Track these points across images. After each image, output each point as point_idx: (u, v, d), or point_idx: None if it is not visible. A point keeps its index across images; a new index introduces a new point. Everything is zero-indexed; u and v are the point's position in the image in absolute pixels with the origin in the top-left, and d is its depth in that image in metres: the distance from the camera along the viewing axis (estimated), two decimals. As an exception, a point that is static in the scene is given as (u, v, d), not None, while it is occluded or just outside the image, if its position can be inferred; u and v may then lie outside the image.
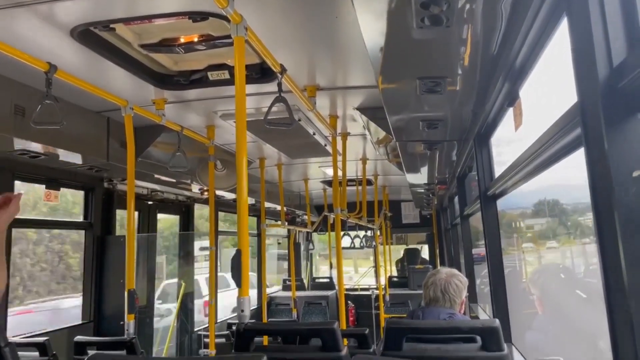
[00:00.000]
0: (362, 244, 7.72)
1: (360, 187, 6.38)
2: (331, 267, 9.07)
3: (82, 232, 4.38)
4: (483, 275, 5.10)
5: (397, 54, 1.98)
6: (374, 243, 7.97)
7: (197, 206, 6.16)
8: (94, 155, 3.62)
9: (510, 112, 2.19)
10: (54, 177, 3.90)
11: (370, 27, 1.75)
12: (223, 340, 4.92)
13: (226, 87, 3.03)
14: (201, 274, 7.06)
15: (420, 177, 5.36)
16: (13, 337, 3.39)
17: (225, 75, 2.94)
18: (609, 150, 1.03)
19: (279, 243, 9.93)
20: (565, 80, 1.31)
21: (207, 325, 4.69)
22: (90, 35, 2.37)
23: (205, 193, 5.30)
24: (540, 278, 3.51)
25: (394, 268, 10.00)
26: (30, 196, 4.48)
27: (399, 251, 10.49)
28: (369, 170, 6.25)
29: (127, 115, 3.12)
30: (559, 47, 1.48)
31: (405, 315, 3.02)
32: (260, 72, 2.91)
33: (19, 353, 2.34)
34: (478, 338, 1.86)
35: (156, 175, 4.31)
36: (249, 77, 2.82)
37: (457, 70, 2.09)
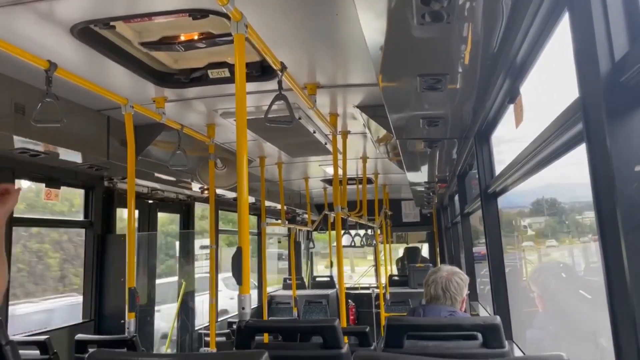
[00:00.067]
0: (362, 243, 7.72)
1: (360, 186, 6.38)
2: (331, 265, 9.06)
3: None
4: (482, 274, 5.11)
5: (397, 52, 1.98)
6: (374, 242, 7.97)
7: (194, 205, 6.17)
8: (94, 154, 3.62)
9: (510, 109, 2.19)
10: (54, 175, 3.90)
11: (371, 25, 1.75)
12: (224, 338, 4.93)
13: (226, 85, 3.03)
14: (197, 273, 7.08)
15: (420, 176, 5.36)
16: (14, 335, 3.39)
17: (226, 73, 2.94)
18: (611, 145, 1.03)
19: (279, 242, 9.93)
20: (567, 76, 1.30)
21: (207, 324, 4.69)
22: (90, 33, 2.37)
23: (206, 192, 5.30)
24: (540, 276, 3.51)
25: (394, 267, 10.01)
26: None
27: (396, 250, 10.49)
28: (370, 168, 6.24)
29: (127, 113, 3.12)
30: (560, 42, 1.48)
31: (406, 314, 3.02)
32: (261, 70, 2.91)
33: (20, 351, 2.34)
34: (479, 335, 1.86)
35: (156, 174, 4.30)
36: (249, 75, 2.82)
37: (458, 67, 2.09)
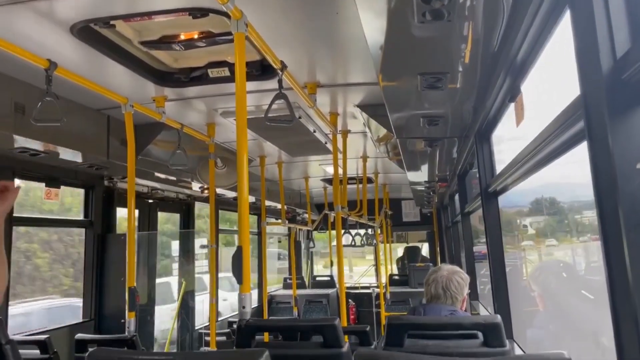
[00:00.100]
0: (362, 242, 7.72)
1: (360, 185, 6.37)
2: (331, 265, 9.06)
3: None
4: (482, 274, 5.10)
5: (398, 51, 1.98)
6: (374, 241, 7.97)
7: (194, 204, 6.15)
8: (94, 153, 3.62)
9: (511, 107, 2.18)
10: (54, 175, 3.89)
11: (371, 24, 1.75)
12: (224, 338, 4.93)
13: (226, 85, 3.03)
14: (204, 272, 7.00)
15: (420, 175, 5.35)
16: (14, 335, 3.39)
17: (226, 72, 2.94)
18: (613, 142, 1.02)
19: (279, 241, 9.92)
20: (568, 74, 1.30)
21: (207, 323, 4.69)
22: (90, 32, 2.37)
23: (206, 191, 5.30)
24: (541, 275, 3.51)
25: (394, 266, 10.01)
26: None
27: (396, 249, 10.48)
28: (370, 168, 6.24)
29: (127, 112, 3.11)
30: (561, 40, 1.48)
31: (406, 313, 3.02)
32: (261, 69, 2.91)
33: (20, 351, 2.34)
34: (479, 334, 1.85)
35: (156, 173, 4.30)
36: (250, 74, 2.81)
37: (458, 65, 2.09)
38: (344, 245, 4.81)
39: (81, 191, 4.38)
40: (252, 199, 6.17)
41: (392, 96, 2.63)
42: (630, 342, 1.09)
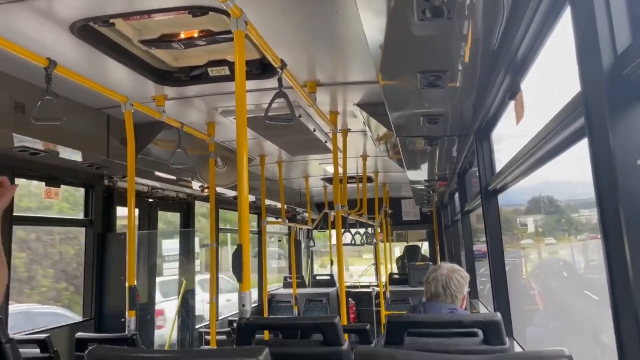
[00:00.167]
0: (362, 241, 7.72)
1: (360, 184, 6.37)
2: (331, 264, 9.07)
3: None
4: (481, 273, 5.11)
5: (398, 49, 1.97)
6: (374, 240, 7.97)
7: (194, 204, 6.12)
8: (94, 152, 3.62)
9: (511, 105, 2.18)
10: (54, 174, 3.89)
11: (372, 23, 1.75)
12: (224, 337, 4.93)
13: (226, 84, 3.03)
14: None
15: (420, 174, 5.35)
16: (14, 333, 3.39)
17: (226, 71, 2.94)
18: (613, 139, 1.02)
19: (279, 241, 9.92)
20: (568, 70, 1.30)
21: (208, 322, 4.70)
22: (89, 31, 2.37)
23: (206, 190, 5.30)
24: (540, 273, 3.51)
25: (394, 265, 10.01)
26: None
27: (393, 249, 10.46)
28: (370, 167, 6.24)
29: (127, 111, 3.11)
30: (562, 37, 1.48)
31: (406, 312, 3.02)
32: (261, 68, 2.91)
33: (21, 350, 2.34)
34: (479, 332, 1.85)
35: (157, 173, 4.30)
36: (249, 72, 2.81)
37: (458, 63, 2.08)
38: (344, 244, 4.81)
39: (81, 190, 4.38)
40: (252, 198, 6.17)
41: (392, 95, 2.63)
42: (630, 340, 1.09)
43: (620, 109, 1.03)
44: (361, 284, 9.50)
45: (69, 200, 4.42)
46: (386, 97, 2.64)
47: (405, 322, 1.88)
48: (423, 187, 6.40)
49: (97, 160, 3.78)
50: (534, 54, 1.81)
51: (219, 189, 4.94)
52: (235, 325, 2.08)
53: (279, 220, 6.01)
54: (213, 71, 2.95)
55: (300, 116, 3.52)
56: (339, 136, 4.07)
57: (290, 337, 2.45)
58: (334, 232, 7.84)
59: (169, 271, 6.31)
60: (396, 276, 8.99)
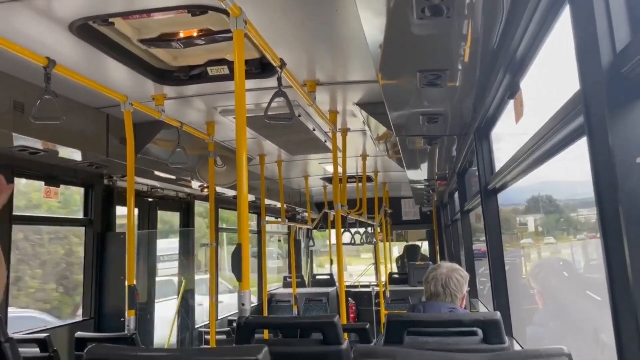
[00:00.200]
0: (362, 240, 7.72)
1: (360, 184, 6.37)
2: (331, 263, 9.07)
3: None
4: (481, 273, 5.11)
5: (397, 48, 1.97)
6: (374, 240, 7.97)
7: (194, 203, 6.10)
8: (94, 152, 3.61)
9: (510, 104, 2.18)
10: (53, 173, 3.89)
11: (371, 23, 1.75)
12: (224, 336, 4.93)
13: (226, 83, 3.03)
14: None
15: (420, 173, 5.35)
16: (14, 333, 3.39)
17: (225, 70, 2.94)
18: (613, 136, 1.02)
19: (279, 240, 9.92)
20: (568, 69, 1.30)
21: (207, 322, 4.70)
22: (88, 30, 2.37)
23: (205, 190, 5.30)
24: (540, 273, 3.51)
25: (394, 265, 10.01)
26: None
27: (392, 249, 10.43)
28: (369, 166, 6.24)
29: (126, 111, 3.11)
30: (561, 35, 1.47)
31: (406, 312, 3.02)
32: (260, 67, 2.91)
33: (20, 349, 2.34)
34: (479, 331, 1.85)
35: (156, 172, 4.30)
36: (249, 72, 2.81)
37: (458, 62, 2.08)
38: (344, 244, 4.80)
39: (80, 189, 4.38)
40: (251, 197, 6.16)
41: (392, 94, 2.63)
42: (630, 339, 1.09)
43: (619, 107, 1.03)
44: (361, 283, 9.50)
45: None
46: (386, 96, 2.64)
47: (404, 321, 1.88)
48: (423, 187, 6.40)
49: (96, 160, 3.78)
50: (533, 52, 1.81)
51: (219, 189, 4.94)
52: (235, 324, 2.07)
53: (279, 219, 6.00)
54: (212, 70, 2.94)
55: (299, 115, 3.52)
56: (339, 135, 4.07)
57: (290, 336, 2.45)
58: (333, 231, 7.85)
59: (163, 271, 6.21)
60: (396, 276, 9.00)
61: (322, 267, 10.91)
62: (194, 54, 2.88)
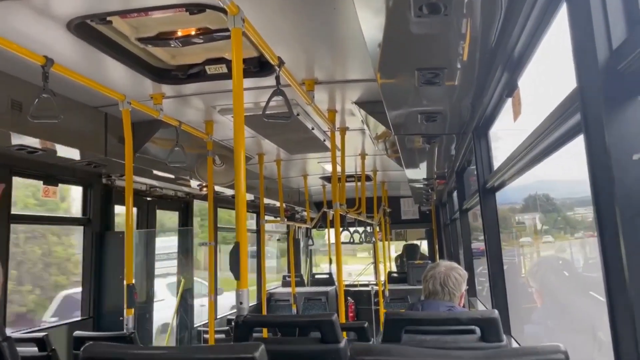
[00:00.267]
0: (361, 240, 7.72)
1: (359, 183, 6.37)
2: (330, 262, 9.07)
3: None
4: (479, 273, 5.11)
5: (396, 47, 1.97)
6: (373, 239, 7.97)
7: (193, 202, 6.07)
8: (92, 151, 3.61)
9: (508, 103, 2.18)
10: (52, 173, 3.89)
11: (370, 22, 1.75)
12: (223, 336, 4.93)
13: (224, 82, 3.03)
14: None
15: (419, 172, 5.36)
16: (12, 332, 3.38)
17: (223, 69, 2.93)
18: (609, 134, 1.02)
19: (278, 240, 9.91)
20: (565, 67, 1.30)
21: (206, 321, 4.69)
22: (86, 29, 2.36)
23: (204, 189, 5.30)
24: (539, 271, 3.52)
25: (393, 264, 10.01)
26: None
27: (391, 248, 10.40)
28: (368, 165, 6.24)
29: (124, 110, 3.11)
30: (558, 33, 1.47)
31: (404, 311, 3.01)
32: (259, 66, 2.90)
33: (19, 348, 2.33)
34: (477, 330, 1.85)
35: (155, 171, 4.30)
36: (247, 70, 2.81)
37: (456, 60, 2.09)
38: (343, 243, 4.80)
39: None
40: (251, 197, 6.16)
41: (390, 93, 2.63)
42: (626, 335, 1.09)
43: (616, 104, 1.03)
44: (360, 282, 9.50)
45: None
46: (384, 95, 2.64)
47: (402, 319, 1.88)
48: (422, 186, 6.41)
49: (95, 159, 3.77)
50: (531, 50, 1.81)
51: (218, 188, 4.94)
52: (233, 323, 2.07)
53: (278, 219, 6.00)
54: (211, 69, 2.94)
55: (298, 114, 3.51)
56: (337, 134, 4.07)
57: (288, 335, 2.46)
58: (332, 230, 7.85)
59: (158, 270, 6.09)
60: (395, 275, 9.00)
61: (317, 267, 10.86)
62: (192, 52, 2.87)
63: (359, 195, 6.37)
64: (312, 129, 3.94)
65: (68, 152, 3.51)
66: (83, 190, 4.36)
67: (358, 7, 1.66)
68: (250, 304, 2.09)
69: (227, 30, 2.12)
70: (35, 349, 2.71)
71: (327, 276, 9.12)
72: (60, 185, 4.03)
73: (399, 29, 1.78)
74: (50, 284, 4.73)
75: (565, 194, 2.83)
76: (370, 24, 1.78)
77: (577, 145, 1.38)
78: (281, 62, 2.53)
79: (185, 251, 5.96)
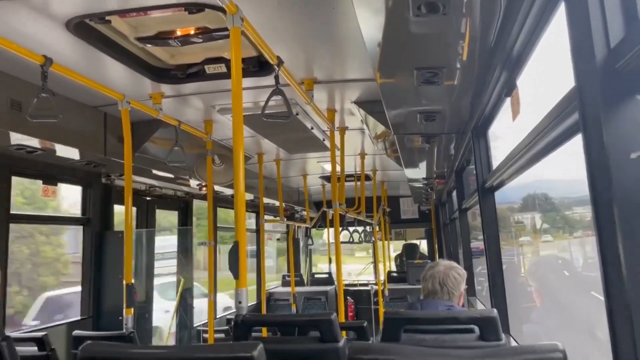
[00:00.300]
0: (360, 239, 7.72)
1: (358, 183, 6.37)
2: (330, 262, 9.07)
3: None
4: (478, 272, 5.11)
5: (395, 46, 1.97)
6: (372, 238, 7.98)
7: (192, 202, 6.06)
8: (92, 151, 3.61)
9: (507, 102, 2.18)
10: (51, 172, 3.89)
11: (368, 21, 1.75)
12: (222, 335, 4.93)
13: (223, 81, 3.02)
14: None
15: (418, 172, 5.36)
16: (12, 332, 3.38)
17: (222, 68, 2.93)
18: (607, 132, 1.02)
19: (277, 239, 9.92)
20: (564, 66, 1.30)
21: (206, 321, 4.70)
22: (85, 28, 2.36)
23: (204, 188, 5.30)
24: (538, 270, 3.52)
25: (392, 263, 10.01)
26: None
27: (390, 248, 10.37)
28: (368, 165, 6.24)
29: (123, 109, 3.11)
30: (557, 32, 1.47)
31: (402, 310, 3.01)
32: (258, 65, 2.90)
33: (18, 348, 2.33)
34: (476, 329, 1.86)
35: (154, 171, 4.30)
36: (246, 70, 2.81)
37: (455, 60, 2.09)
38: (342, 242, 4.80)
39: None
40: (250, 196, 6.16)
41: (389, 93, 2.63)
42: (624, 334, 1.09)
43: (613, 102, 1.03)
44: (360, 282, 9.51)
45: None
46: (383, 94, 2.64)
47: (401, 318, 1.88)
48: (421, 185, 6.41)
49: (94, 159, 3.77)
50: (529, 50, 1.81)
51: (217, 187, 4.94)
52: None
53: (277, 218, 6.00)
54: (210, 68, 2.94)
55: (297, 114, 3.51)
56: (337, 134, 4.07)
57: (288, 334, 2.46)
58: (331, 230, 7.85)
59: (157, 270, 5.97)
60: (395, 274, 9.00)
61: (315, 267, 10.85)
62: (192, 52, 2.87)
63: (359, 194, 6.37)
64: (312, 128, 3.94)
65: (67, 152, 3.51)
66: (82, 189, 4.36)
67: (357, 7, 1.66)
68: (250, 304, 2.09)
69: (226, 29, 2.11)
70: (35, 348, 2.72)
71: (326, 276, 9.12)
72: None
73: (398, 29, 1.78)
74: (39, 284, 4.65)
75: (563, 193, 2.83)
76: (369, 23, 1.78)
77: (575, 145, 1.38)
78: (280, 62, 2.53)
79: (184, 251, 5.96)
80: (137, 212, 5.15)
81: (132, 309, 3.02)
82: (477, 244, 5.07)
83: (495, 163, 3.07)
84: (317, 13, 2.26)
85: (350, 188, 6.75)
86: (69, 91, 3.19)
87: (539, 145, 1.83)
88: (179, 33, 2.56)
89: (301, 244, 9.95)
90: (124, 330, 2.97)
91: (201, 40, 2.60)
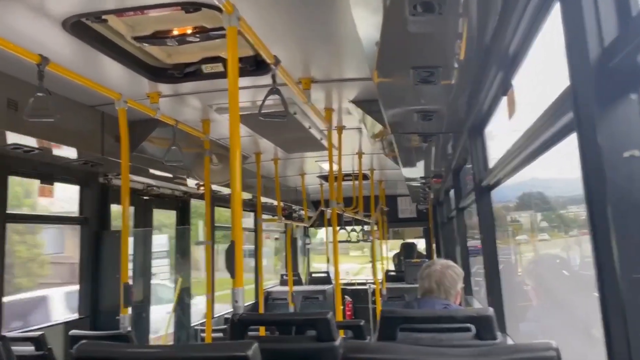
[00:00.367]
0: (358, 238, 7.73)
1: (356, 182, 6.38)
2: (328, 261, 9.09)
3: None
4: (475, 272, 5.12)
5: (391, 45, 1.98)
6: (370, 237, 7.99)
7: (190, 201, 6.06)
8: (89, 150, 3.61)
9: (503, 101, 2.19)
10: (48, 172, 3.88)
11: (365, 21, 1.75)
12: (220, 334, 4.93)
13: (221, 80, 3.02)
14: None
15: (416, 171, 5.36)
16: (9, 332, 3.38)
17: (220, 68, 2.93)
18: (601, 131, 1.03)
19: (276, 239, 9.92)
20: (559, 65, 1.30)
21: (204, 320, 4.70)
22: (82, 27, 2.36)
23: (202, 188, 5.29)
24: (534, 269, 3.53)
25: (390, 263, 10.03)
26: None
27: (387, 247, 10.37)
28: (365, 164, 6.24)
29: (121, 108, 3.10)
30: (552, 31, 1.48)
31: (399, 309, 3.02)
32: (255, 65, 2.90)
33: (15, 347, 2.34)
34: (472, 328, 1.86)
35: (152, 170, 4.29)
36: (243, 69, 2.81)
37: (451, 59, 2.09)
38: (340, 242, 4.81)
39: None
40: (248, 195, 6.16)
41: (387, 92, 2.63)
42: (617, 332, 1.10)
43: (607, 101, 1.03)
44: (357, 281, 9.52)
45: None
46: (381, 94, 2.65)
47: (397, 317, 1.88)
48: (419, 185, 6.41)
49: (91, 158, 3.77)
50: (525, 49, 1.81)
51: (215, 187, 4.93)
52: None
53: (275, 217, 6.00)
54: (207, 68, 2.94)
55: (295, 113, 3.52)
56: (334, 133, 4.07)
57: (285, 333, 2.46)
58: (329, 229, 7.85)
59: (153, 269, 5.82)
60: (392, 273, 9.02)
61: (311, 266, 10.86)
62: (189, 51, 2.87)
63: (356, 194, 6.38)
64: (309, 127, 3.95)
65: (64, 151, 3.51)
66: (80, 189, 4.35)
67: (354, 6, 1.66)
68: (247, 303, 2.09)
69: (223, 29, 2.12)
70: (32, 348, 2.72)
71: (324, 275, 9.13)
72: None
73: (394, 28, 1.78)
74: (13, 286, 4.53)
75: (558, 192, 2.84)
76: (366, 23, 1.79)
77: (570, 145, 1.39)
78: (277, 61, 2.53)
79: (182, 250, 5.95)
80: (134, 211, 5.14)
81: (129, 309, 3.02)
82: (475, 242, 5.08)
83: (491, 162, 3.08)
84: (314, 12, 2.26)
85: (348, 187, 6.76)
86: (66, 90, 3.18)
87: (534, 144, 1.83)
88: (176, 32, 2.56)
89: (299, 243, 9.95)
90: (121, 329, 2.97)
91: (198, 40, 2.60)
